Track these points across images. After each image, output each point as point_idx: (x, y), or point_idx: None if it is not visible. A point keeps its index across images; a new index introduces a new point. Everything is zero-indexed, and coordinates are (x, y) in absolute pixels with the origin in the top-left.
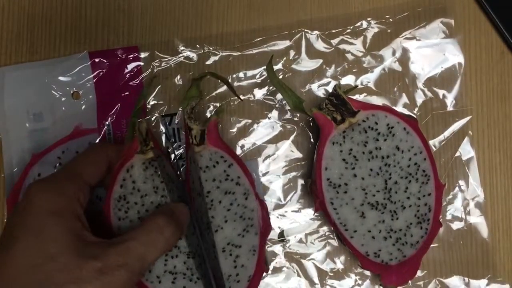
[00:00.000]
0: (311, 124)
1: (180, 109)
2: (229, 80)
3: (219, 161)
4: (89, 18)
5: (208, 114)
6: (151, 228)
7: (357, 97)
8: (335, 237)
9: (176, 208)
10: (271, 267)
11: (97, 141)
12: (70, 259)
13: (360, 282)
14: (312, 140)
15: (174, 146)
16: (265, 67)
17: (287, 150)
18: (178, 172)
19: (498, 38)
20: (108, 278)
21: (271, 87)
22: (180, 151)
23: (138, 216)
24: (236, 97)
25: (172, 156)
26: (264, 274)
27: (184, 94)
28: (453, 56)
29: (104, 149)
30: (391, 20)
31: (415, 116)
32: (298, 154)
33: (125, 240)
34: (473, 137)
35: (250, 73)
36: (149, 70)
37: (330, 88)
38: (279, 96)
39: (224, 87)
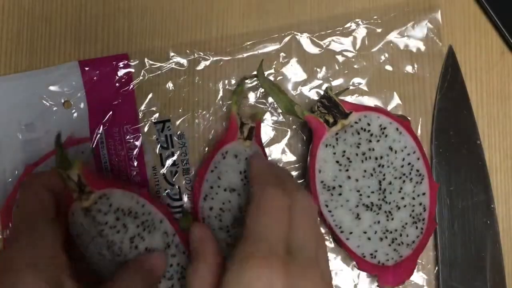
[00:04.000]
0: (304, 126)
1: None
2: (220, 85)
3: None
4: (89, 19)
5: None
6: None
7: (349, 98)
8: (330, 239)
9: (147, 258)
10: None
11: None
12: None
13: (357, 283)
14: (306, 141)
15: (167, 154)
16: (255, 72)
17: (281, 153)
18: (173, 180)
19: (498, 38)
20: None
21: (262, 91)
22: (174, 157)
23: (107, 252)
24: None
25: (168, 162)
26: None
27: (234, 90)
28: (442, 54)
29: (38, 180)
30: (379, 21)
31: (407, 117)
32: (292, 157)
33: None
34: None
35: (241, 77)
36: (140, 77)
37: (321, 91)
38: (271, 99)
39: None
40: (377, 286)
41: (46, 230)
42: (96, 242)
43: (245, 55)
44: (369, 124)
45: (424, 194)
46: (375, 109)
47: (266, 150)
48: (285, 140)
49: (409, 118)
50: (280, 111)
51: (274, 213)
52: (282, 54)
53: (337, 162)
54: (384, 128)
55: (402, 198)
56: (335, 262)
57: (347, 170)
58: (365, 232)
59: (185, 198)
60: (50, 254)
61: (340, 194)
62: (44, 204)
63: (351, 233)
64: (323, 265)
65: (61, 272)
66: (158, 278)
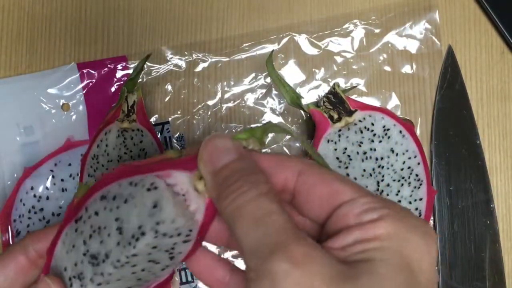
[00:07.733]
0: (307, 124)
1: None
2: (219, 87)
3: None
4: (89, 19)
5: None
6: None
7: None
8: None
9: None
10: None
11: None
12: None
13: None
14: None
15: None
16: (254, 74)
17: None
18: None
19: (498, 38)
20: None
21: (261, 93)
22: None
23: None
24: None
25: None
26: None
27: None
28: (441, 53)
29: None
30: (377, 21)
31: (411, 120)
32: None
33: None
34: None
35: (240, 78)
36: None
37: (320, 91)
38: (270, 100)
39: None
40: None
41: None
42: (109, 163)
43: (243, 56)
44: (373, 124)
45: (421, 199)
46: (381, 109)
47: (266, 151)
48: (283, 141)
49: (413, 122)
50: (279, 111)
51: None
52: (280, 54)
53: (337, 158)
54: (388, 130)
55: (399, 201)
56: None
57: (346, 168)
58: None
59: None
60: None
61: None
62: None
63: None
64: None
65: None
66: None
